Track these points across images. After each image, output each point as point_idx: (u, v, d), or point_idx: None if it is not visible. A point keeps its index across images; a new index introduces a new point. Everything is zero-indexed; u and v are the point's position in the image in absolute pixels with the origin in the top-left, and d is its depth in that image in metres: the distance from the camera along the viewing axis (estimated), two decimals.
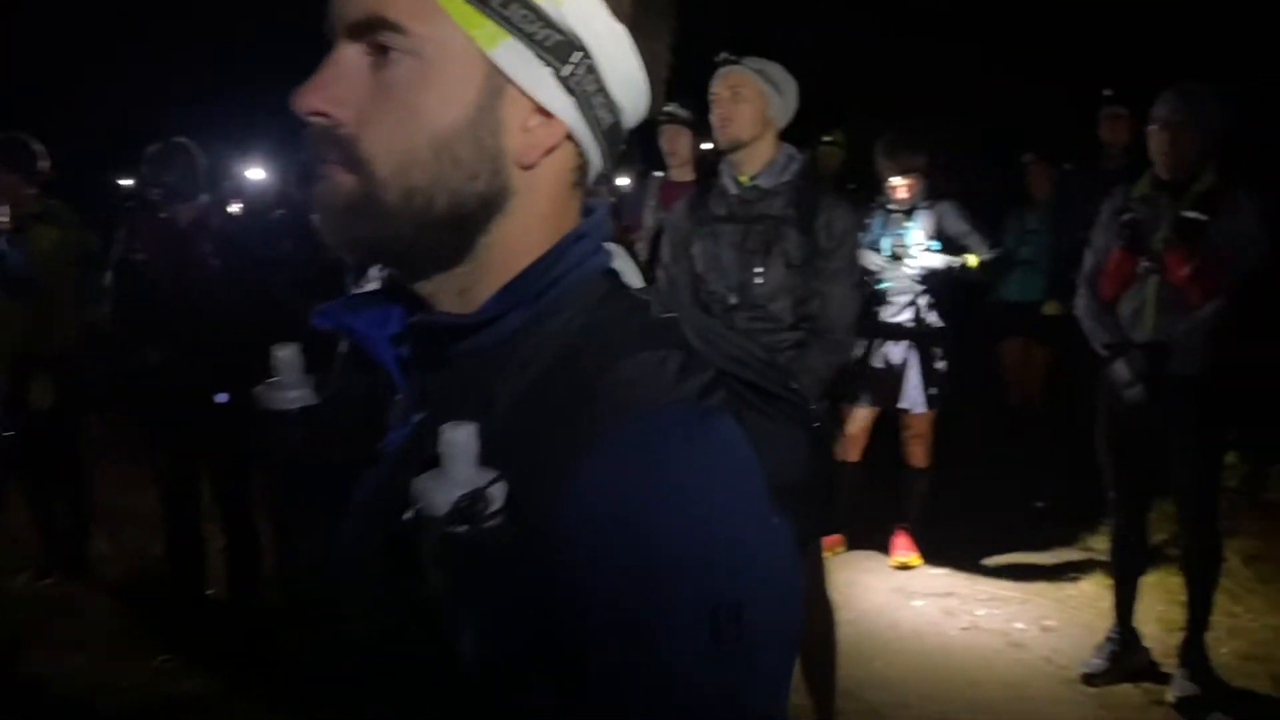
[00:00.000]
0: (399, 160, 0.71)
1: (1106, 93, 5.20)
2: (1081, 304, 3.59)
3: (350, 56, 0.73)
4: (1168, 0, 7.76)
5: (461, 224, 0.74)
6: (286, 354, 0.90)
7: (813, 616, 2.98)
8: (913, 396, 4.60)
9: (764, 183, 2.96)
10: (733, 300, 2.94)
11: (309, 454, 0.89)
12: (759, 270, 2.90)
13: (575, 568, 0.63)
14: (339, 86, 0.72)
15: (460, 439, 0.64)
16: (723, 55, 2.95)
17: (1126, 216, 3.41)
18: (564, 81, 0.73)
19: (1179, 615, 3.65)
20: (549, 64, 0.72)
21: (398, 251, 0.76)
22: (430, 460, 0.65)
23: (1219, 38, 7.28)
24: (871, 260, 4.47)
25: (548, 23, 0.71)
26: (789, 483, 0.74)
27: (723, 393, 0.71)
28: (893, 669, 3.76)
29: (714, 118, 2.98)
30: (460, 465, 0.63)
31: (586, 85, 0.74)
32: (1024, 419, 6.09)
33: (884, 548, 4.77)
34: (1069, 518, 4.83)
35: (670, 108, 4.35)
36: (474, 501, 0.62)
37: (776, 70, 2.98)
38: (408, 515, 0.64)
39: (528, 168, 0.74)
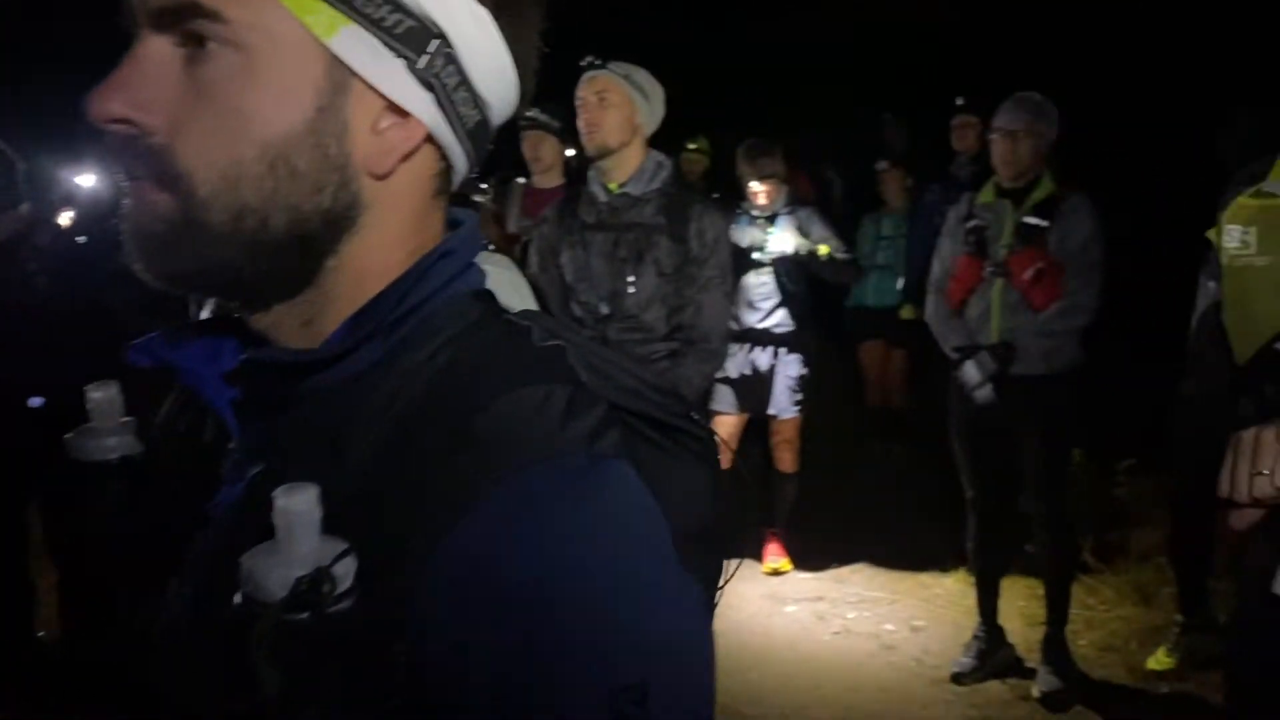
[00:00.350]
0: (224, 174, 0.59)
1: (958, 101, 5.33)
2: (931, 309, 3.69)
3: (157, 50, 0.60)
4: (1017, 10, 8.08)
5: (304, 246, 0.63)
6: (102, 395, 0.76)
7: None
8: (780, 402, 4.61)
9: (633, 190, 2.91)
10: (605, 310, 2.87)
11: (130, 512, 0.75)
12: (631, 279, 2.84)
13: (447, 654, 0.53)
14: (144, 87, 0.60)
15: (297, 507, 0.53)
16: (588, 59, 2.87)
17: (971, 224, 3.53)
18: (420, 74, 0.62)
19: (1040, 610, 3.74)
20: (401, 54, 0.61)
21: (228, 281, 0.64)
22: (267, 527, 0.54)
23: (1060, 47, 7.61)
24: (747, 238, 4.45)
25: (397, 6, 0.60)
26: (694, 530, 0.65)
27: (617, 432, 0.62)
28: (767, 680, 3.74)
29: (581, 123, 2.90)
30: (299, 538, 0.52)
31: (447, 78, 0.63)
32: (884, 421, 6.23)
33: (755, 554, 4.77)
34: (932, 517, 4.92)
35: (532, 112, 4.23)
36: (316, 582, 0.51)
37: (643, 75, 2.93)
38: (236, 599, 0.53)
39: (381, 177, 0.64)
